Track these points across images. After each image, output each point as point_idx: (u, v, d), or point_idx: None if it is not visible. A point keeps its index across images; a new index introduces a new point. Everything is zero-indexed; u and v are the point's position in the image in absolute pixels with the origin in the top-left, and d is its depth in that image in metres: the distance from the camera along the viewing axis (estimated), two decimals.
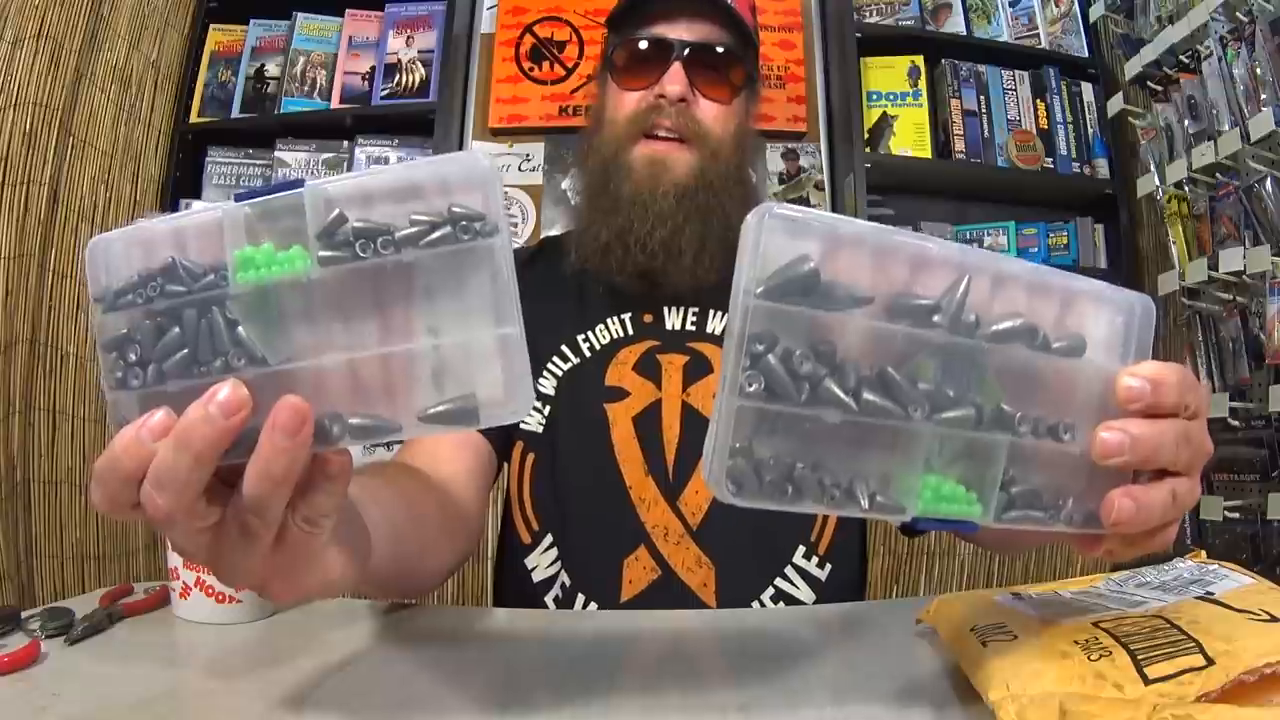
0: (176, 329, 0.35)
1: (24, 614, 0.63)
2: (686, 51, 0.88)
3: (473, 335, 0.34)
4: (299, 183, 0.34)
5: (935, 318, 0.36)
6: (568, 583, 0.86)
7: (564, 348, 0.91)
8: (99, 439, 1.61)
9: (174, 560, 0.67)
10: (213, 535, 0.36)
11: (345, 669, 0.58)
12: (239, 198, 0.34)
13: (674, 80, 0.87)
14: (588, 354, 0.91)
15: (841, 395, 0.35)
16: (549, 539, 0.87)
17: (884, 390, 0.35)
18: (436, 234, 0.34)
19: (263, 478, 0.34)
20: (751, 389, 0.34)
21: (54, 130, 1.48)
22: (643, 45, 0.90)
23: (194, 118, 1.88)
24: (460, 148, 1.90)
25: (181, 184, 1.83)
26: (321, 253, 0.34)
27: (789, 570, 0.86)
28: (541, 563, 0.87)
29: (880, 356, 0.36)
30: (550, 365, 0.91)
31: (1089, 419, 0.38)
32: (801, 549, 0.86)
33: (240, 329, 0.34)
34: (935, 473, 0.37)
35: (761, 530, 0.83)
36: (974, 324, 0.36)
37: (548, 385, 0.90)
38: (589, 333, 0.92)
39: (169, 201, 1.80)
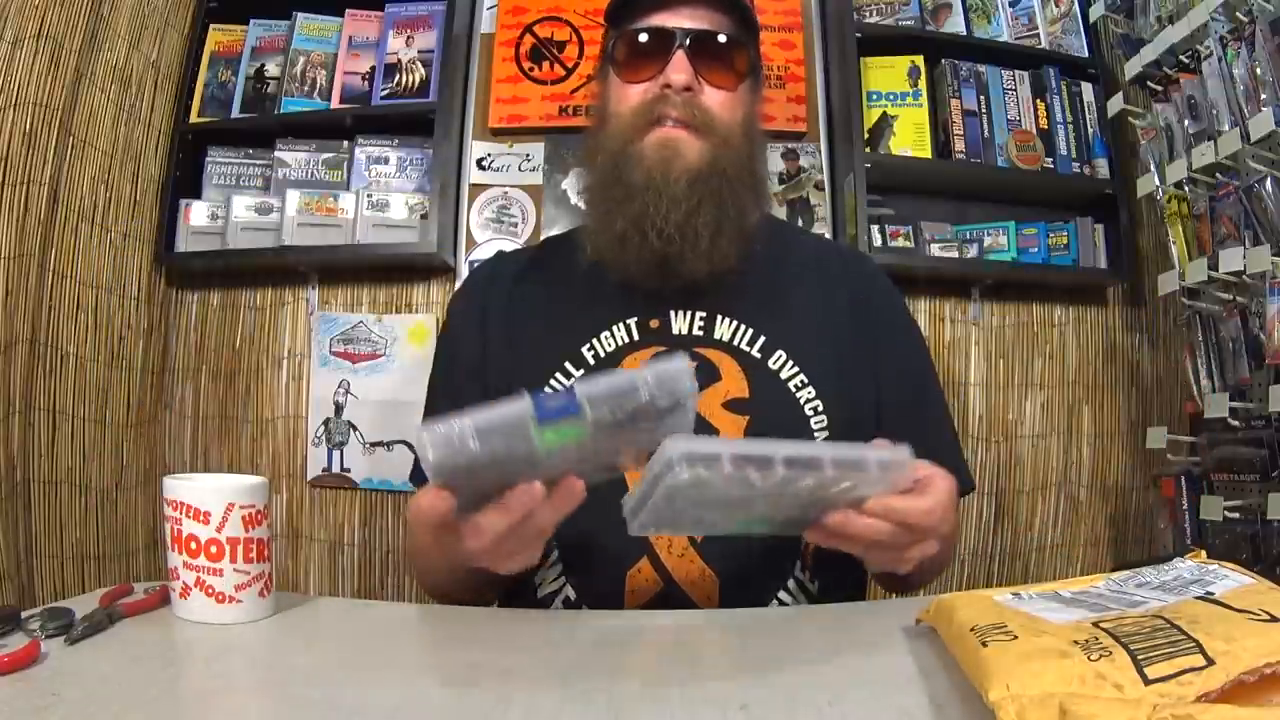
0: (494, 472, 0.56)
1: (24, 614, 0.63)
2: (689, 40, 0.87)
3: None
4: (571, 391, 0.54)
5: (767, 483, 0.56)
6: (572, 596, 0.86)
7: (567, 364, 0.90)
8: (99, 439, 1.61)
9: (174, 560, 0.67)
10: (505, 548, 0.60)
11: (345, 669, 0.58)
12: (539, 409, 0.53)
13: (678, 69, 0.86)
14: (592, 362, 0.90)
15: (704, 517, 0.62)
16: (555, 554, 0.87)
17: (736, 505, 0.60)
18: (667, 407, 0.57)
19: (557, 516, 0.60)
20: (648, 529, 0.61)
21: (54, 130, 1.48)
22: (644, 36, 0.89)
23: (194, 118, 1.88)
24: (460, 148, 1.90)
25: (181, 184, 1.83)
26: (594, 428, 0.55)
27: (791, 584, 0.86)
28: (547, 577, 0.87)
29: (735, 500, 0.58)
30: (553, 382, 0.90)
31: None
32: (800, 562, 0.86)
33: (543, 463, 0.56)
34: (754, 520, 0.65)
35: (764, 543, 0.83)
36: (792, 480, 0.56)
37: None
38: (594, 340, 0.90)
39: (169, 201, 1.80)
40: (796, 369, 0.89)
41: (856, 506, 0.61)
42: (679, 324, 0.91)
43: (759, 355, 0.90)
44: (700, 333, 0.90)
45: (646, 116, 0.88)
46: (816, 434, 0.88)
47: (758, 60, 0.94)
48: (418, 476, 0.99)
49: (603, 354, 0.90)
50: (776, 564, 0.85)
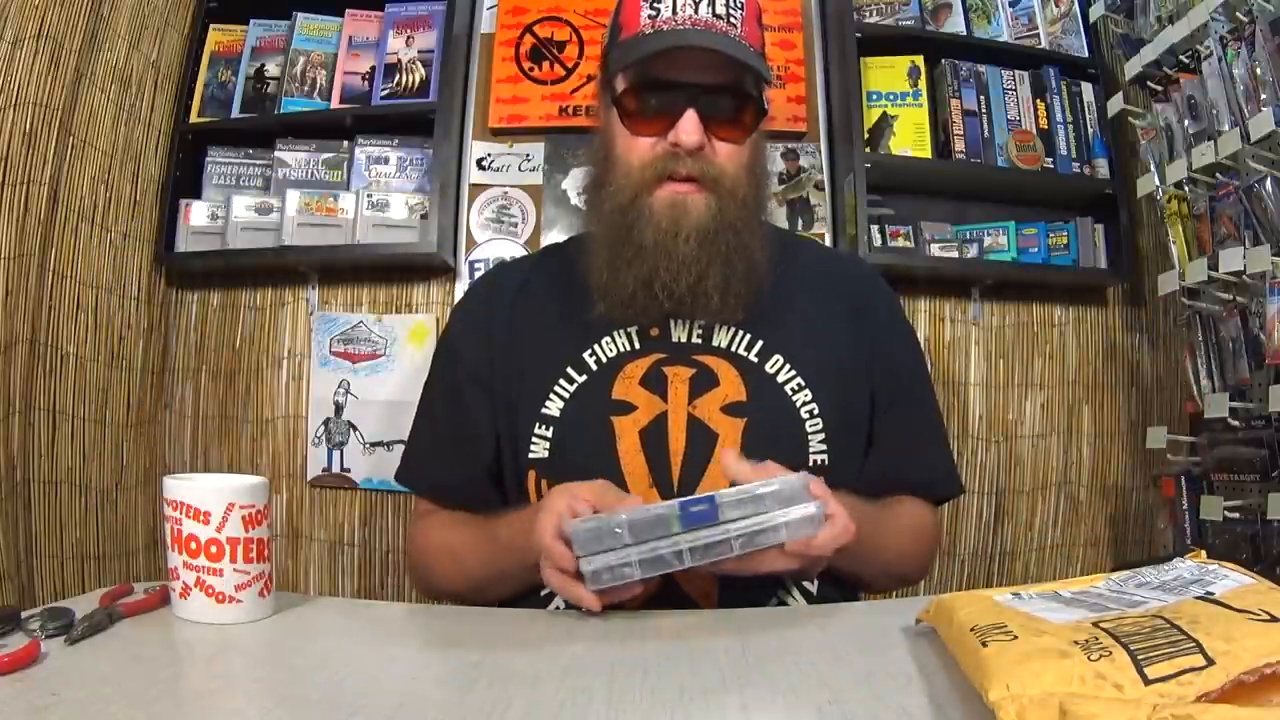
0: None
1: (24, 614, 0.63)
2: (700, 97, 0.84)
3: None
4: (713, 502, 0.68)
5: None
6: None
7: (569, 369, 0.91)
8: (99, 439, 1.61)
9: (174, 560, 0.67)
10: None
11: (345, 669, 0.58)
12: (684, 515, 0.68)
13: (689, 130, 0.84)
14: (594, 368, 0.91)
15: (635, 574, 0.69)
16: None
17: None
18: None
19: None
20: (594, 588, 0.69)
21: (54, 130, 1.48)
22: (655, 94, 0.86)
23: (194, 118, 1.88)
24: (460, 148, 1.90)
25: (181, 184, 1.83)
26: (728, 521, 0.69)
27: (790, 583, 0.86)
28: None
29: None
30: (557, 388, 0.90)
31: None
32: None
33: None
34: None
35: None
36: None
37: (553, 407, 0.90)
38: (595, 346, 0.91)
39: (169, 201, 1.80)
40: (794, 373, 0.90)
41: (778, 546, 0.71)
42: (678, 332, 0.92)
43: (756, 360, 0.91)
44: (699, 340, 0.92)
45: (655, 171, 0.86)
46: (812, 436, 0.89)
47: (765, 103, 0.90)
48: (404, 476, 1.03)
49: (604, 360, 0.91)
50: None
